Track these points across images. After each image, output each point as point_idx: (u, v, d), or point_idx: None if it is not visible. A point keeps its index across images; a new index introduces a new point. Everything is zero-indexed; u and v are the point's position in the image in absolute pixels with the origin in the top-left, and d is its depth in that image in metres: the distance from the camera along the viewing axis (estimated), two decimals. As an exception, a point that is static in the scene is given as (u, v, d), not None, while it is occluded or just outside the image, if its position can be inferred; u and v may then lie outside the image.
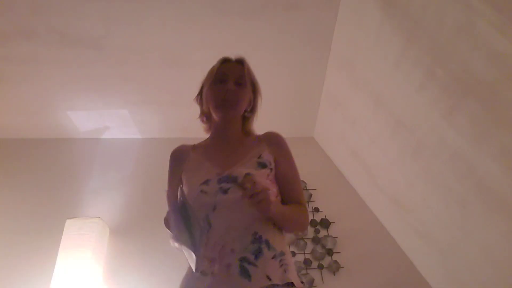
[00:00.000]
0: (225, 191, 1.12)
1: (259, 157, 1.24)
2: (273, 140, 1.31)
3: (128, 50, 2.20)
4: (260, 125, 1.39)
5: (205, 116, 1.38)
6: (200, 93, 1.39)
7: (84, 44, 2.15)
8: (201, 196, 1.13)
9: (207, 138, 1.39)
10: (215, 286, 1.01)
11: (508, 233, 1.67)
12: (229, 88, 1.27)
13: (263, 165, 1.22)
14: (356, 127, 2.45)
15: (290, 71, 2.41)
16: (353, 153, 2.61)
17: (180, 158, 1.32)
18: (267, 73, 2.39)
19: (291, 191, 1.25)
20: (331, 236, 2.57)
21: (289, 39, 2.18)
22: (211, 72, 1.35)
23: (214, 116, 1.32)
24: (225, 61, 1.34)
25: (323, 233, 2.61)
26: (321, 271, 2.47)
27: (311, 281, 2.41)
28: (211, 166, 1.22)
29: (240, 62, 1.35)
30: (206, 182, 1.15)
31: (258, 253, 1.05)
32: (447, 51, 1.55)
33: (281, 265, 1.07)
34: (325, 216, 2.65)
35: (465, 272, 2.06)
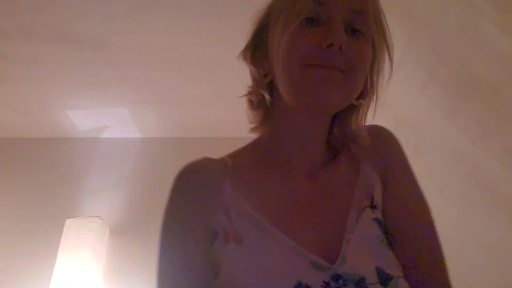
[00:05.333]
0: None
1: (372, 206, 0.65)
2: (381, 148, 0.73)
3: (128, 49, 2.19)
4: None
5: (264, 90, 0.71)
6: (255, 42, 0.75)
7: (84, 43, 2.14)
8: None
9: (255, 143, 0.73)
10: None
11: (511, 233, 1.66)
12: (340, 38, 0.59)
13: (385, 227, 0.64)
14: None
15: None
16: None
17: (207, 196, 0.63)
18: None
19: (421, 248, 0.66)
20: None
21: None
22: None
23: (288, 98, 0.65)
24: None
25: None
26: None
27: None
28: (294, 245, 0.58)
29: None
30: (299, 286, 0.54)
31: None
32: (449, 50, 1.54)
33: None
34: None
35: (467, 272, 2.05)
